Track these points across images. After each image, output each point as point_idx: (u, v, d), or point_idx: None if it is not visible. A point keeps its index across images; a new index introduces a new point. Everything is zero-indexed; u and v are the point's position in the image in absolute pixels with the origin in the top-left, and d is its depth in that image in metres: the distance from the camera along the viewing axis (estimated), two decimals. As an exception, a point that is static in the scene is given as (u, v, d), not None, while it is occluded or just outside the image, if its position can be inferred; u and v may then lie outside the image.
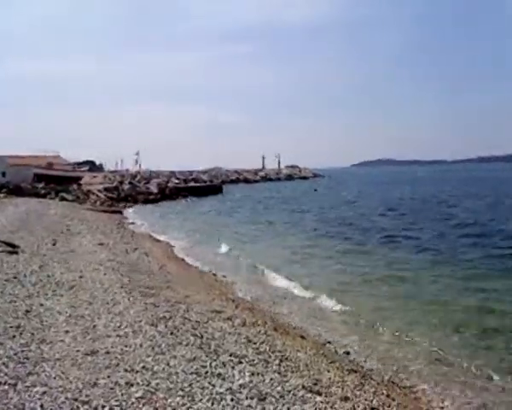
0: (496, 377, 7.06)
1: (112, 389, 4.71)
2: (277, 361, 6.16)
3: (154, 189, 48.44)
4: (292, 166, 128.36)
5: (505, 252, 16.64)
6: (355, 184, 79.18)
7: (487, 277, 13.31)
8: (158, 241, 20.10)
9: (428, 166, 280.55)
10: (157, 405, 4.51)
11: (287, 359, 6.36)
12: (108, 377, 4.98)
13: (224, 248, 18.43)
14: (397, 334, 8.83)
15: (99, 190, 43.06)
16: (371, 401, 5.45)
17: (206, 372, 5.38)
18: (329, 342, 8.22)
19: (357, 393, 5.68)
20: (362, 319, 9.73)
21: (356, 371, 6.77)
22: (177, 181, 60.27)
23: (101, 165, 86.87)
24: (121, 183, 50.36)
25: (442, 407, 6.14)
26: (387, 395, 5.92)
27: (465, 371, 7.31)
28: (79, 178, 51.35)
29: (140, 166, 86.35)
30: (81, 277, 9.79)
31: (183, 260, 16.00)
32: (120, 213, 32.27)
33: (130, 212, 34.11)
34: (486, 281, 12.72)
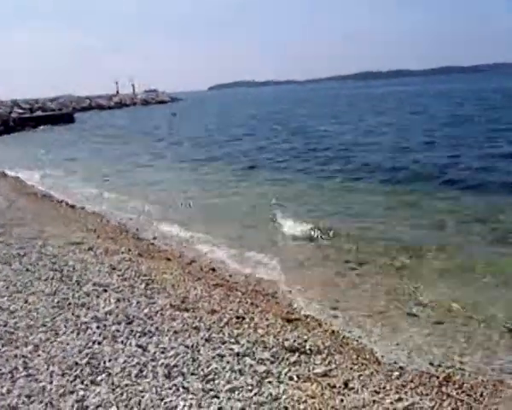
0: (357, 280, 7.73)
1: (-37, 335, 4.39)
2: (143, 285, 6.16)
3: (-6, 121, 43.93)
4: (150, 91, 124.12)
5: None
6: (213, 108, 79.32)
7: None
8: (5, 176, 18.49)
9: (283, 86, 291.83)
10: (18, 344, 4.30)
11: (153, 281, 6.38)
12: (-43, 323, 4.61)
13: (82, 179, 17.67)
14: (260, 245, 9.30)
15: None
16: (237, 311, 5.71)
17: (69, 304, 5.22)
18: (195, 261, 8.39)
19: (224, 305, 5.91)
20: (225, 235, 10.08)
21: (222, 285, 7.03)
22: (21, 111, 55.17)
23: None
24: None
25: (302, 307, 6.65)
26: (252, 303, 6.26)
27: (322, 273, 7.98)
28: None
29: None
30: None
31: (35, 194, 14.95)
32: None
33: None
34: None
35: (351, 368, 4.41)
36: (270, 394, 3.74)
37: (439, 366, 5.02)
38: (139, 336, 4.56)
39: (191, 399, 3.59)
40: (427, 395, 4.08)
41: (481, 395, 4.40)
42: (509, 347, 5.48)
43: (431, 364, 5.07)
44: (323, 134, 28.64)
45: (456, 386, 4.47)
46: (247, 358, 4.30)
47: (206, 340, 4.61)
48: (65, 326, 4.68)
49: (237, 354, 4.35)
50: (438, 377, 4.61)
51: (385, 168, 16.63)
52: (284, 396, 3.72)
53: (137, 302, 5.44)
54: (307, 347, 4.72)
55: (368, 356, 5.00)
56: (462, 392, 4.36)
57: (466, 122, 28.83)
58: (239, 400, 3.63)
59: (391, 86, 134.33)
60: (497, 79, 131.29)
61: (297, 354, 4.54)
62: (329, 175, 16.42)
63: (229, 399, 3.63)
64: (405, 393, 4.01)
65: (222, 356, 4.28)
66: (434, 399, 4.00)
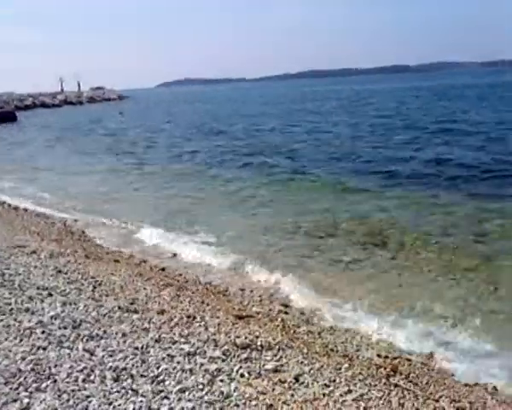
0: (302, 276, 7.83)
1: None
2: (91, 288, 5.99)
3: None
4: (97, 88, 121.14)
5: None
6: (161, 106, 78.39)
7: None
8: None
9: (231, 85, 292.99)
10: (-45, 353, 4.08)
11: (100, 284, 6.22)
12: None
13: (21, 180, 17.07)
14: (211, 242, 9.27)
15: None
16: (187, 310, 5.66)
17: (11, 309, 5.00)
18: (145, 262, 8.26)
19: (174, 304, 5.85)
20: (172, 235, 10.00)
21: (172, 285, 6.95)
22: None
23: None
24: None
25: (253, 305, 6.68)
26: (202, 302, 6.22)
27: (268, 270, 8.04)
28: None
29: None
30: None
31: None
32: None
33: None
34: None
35: (301, 362, 4.45)
36: (222, 392, 3.72)
37: (387, 357, 5.16)
38: (86, 340, 4.43)
39: (141, 401, 3.52)
40: (375, 385, 4.17)
41: (427, 384, 4.55)
42: (452, 337, 5.69)
43: (378, 355, 5.20)
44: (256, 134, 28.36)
45: (403, 376, 4.60)
46: (197, 357, 4.27)
47: (156, 341, 4.53)
48: (7, 333, 4.48)
49: (188, 354, 4.30)
50: (385, 368, 4.73)
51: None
52: (236, 394, 3.71)
53: (84, 306, 5.29)
54: (258, 343, 4.73)
55: (318, 350, 5.07)
56: (409, 382, 4.49)
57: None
58: (190, 400, 3.59)
59: (334, 85, 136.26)
60: (438, 78, 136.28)
61: (248, 350, 4.54)
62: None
63: (179, 399, 3.59)
64: (354, 384, 4.09)
65: (172, 356, 4.23)
66: (382, 389, 4.10)
